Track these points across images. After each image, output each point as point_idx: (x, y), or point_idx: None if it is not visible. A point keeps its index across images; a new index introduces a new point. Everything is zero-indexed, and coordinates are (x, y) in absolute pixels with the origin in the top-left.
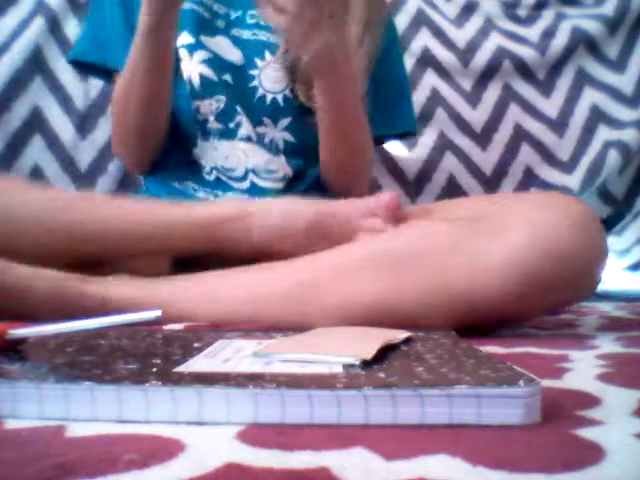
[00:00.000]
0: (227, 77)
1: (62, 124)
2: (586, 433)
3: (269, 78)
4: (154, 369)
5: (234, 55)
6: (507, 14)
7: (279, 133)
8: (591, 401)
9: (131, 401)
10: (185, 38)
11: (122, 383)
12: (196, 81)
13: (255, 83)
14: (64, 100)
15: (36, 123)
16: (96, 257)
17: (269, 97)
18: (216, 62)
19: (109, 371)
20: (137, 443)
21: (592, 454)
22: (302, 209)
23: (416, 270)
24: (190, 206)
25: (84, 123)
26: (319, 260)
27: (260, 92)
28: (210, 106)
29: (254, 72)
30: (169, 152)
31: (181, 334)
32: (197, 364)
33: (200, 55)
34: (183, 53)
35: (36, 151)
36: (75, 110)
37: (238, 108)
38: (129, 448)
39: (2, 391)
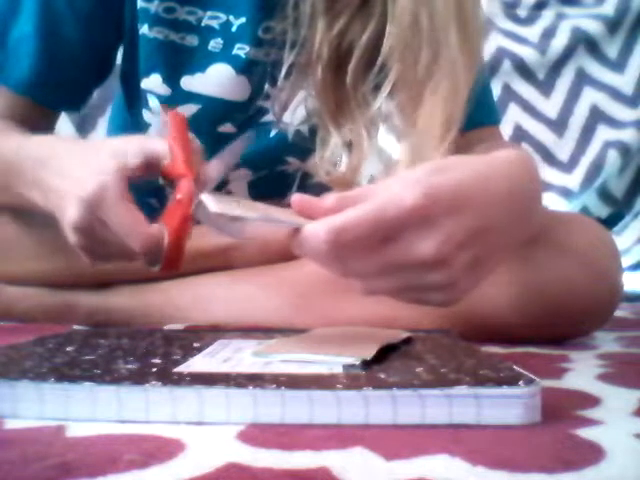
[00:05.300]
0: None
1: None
2: (586, 433)
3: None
4: (154, 369)
5: (236, 88)
6: (507, 14)
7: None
8: (591, 401)
9: (131, 401)
10: (155, 83)
11: (122, 383)
12: None
13: (268, 117)
14: None
15: None
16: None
17: (291, 131)
18: (206, 115)
19: (109, 371)
20: (137, 443)
21: (592, 454)
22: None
23: None
24: None
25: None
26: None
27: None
28: None
29: (264, 103)
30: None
31: (181, 334)
32: (197, 364)
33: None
34: (153, 103)
35: None
36: None
37: (236, 173)
38: (129, 448)
39: (2, 391)
